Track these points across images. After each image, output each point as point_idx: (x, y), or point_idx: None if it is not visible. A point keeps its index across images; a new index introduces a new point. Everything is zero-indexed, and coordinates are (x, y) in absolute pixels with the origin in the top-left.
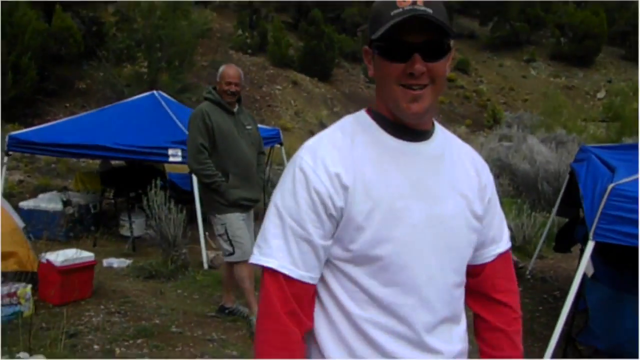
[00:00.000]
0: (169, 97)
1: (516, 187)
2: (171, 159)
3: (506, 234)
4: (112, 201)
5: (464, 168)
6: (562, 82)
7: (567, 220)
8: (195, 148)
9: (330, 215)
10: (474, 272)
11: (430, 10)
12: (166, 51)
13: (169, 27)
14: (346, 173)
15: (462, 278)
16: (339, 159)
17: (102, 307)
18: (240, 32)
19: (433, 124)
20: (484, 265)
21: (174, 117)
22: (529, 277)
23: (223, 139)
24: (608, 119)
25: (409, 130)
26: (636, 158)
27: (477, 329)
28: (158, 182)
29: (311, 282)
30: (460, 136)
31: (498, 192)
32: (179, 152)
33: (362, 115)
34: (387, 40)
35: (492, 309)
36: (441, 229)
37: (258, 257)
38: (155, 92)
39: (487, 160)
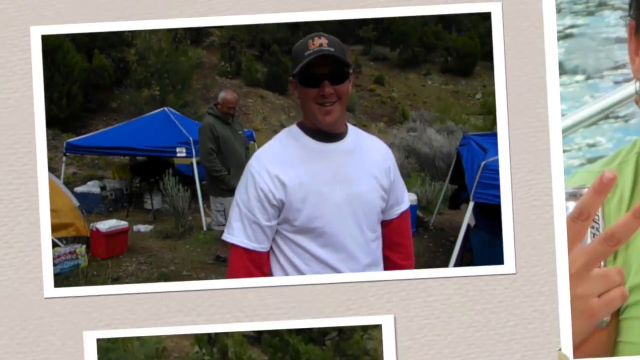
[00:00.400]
0: (175, 111)
1: (420, 165)
2: (178, 154)
3: (406, 198)
4: (138, 185)
5: (373, 156)
6: (450, 88)
7: (456, 187)
8: (207, 151)
9: (272, 205)
10: (384, 224)
11: (332, 49)
12: (172, 79)
13: (173, 62)
14: (283, 173)
15: (377, 234)
16: (278, 163)
17: (134, 259)
18: (222, 63)
19: (346, 126)
20: (391, 220)
21: (180, 125)
22: (431, 227)
23: (225, 144)
24: (484, 113)
25: (327, 134)
26: None
27: (385, 265)
28: (170, 170)
29: (262, 250)
30: (379, 130)
31: (407, 168)
32: (184, 150)
33: (294, 127)
34: (304, 73)
35: (396, 250)
36: (358, 202)
37: (225, 235)
38: (166, 108)
39: (399, 146)
